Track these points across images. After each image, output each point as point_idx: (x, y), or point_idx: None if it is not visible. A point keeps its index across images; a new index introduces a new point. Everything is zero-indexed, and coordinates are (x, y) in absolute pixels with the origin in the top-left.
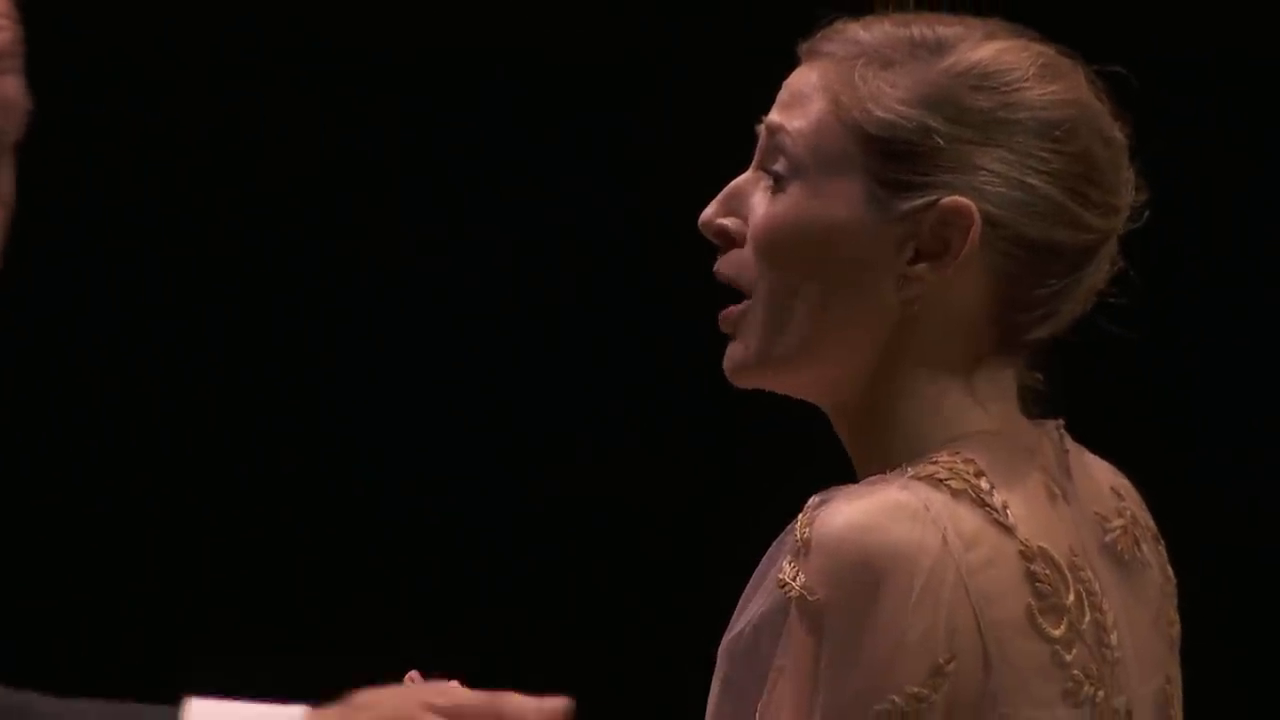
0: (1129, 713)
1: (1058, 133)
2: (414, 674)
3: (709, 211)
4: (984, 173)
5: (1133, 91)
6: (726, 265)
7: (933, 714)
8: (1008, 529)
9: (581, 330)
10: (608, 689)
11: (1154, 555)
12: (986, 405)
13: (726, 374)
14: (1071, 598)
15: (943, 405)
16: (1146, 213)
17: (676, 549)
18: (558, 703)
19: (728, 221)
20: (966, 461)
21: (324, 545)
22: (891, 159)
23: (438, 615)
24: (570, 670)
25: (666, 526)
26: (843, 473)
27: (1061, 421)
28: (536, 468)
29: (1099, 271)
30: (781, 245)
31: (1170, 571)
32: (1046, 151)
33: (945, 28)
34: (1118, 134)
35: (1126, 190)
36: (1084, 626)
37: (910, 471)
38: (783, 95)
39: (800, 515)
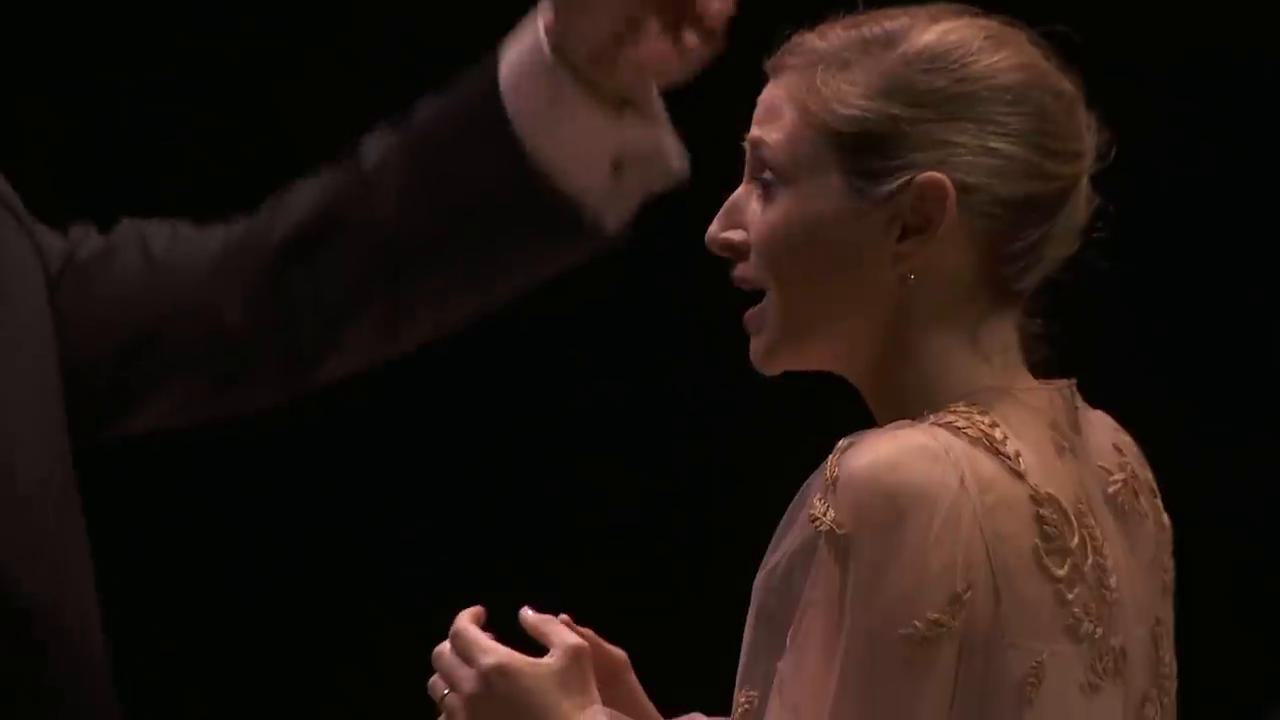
0: (1124, 650)
1: (1010, 96)
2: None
3: (712, 228)
4: (950, 146)
5: (1076, 46)
6: (743, 271)
7: (950, 640)
8: (1020, 475)
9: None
10: (651, 625)
11: (1150, 507)
12: (991, 358)
13: (755, 365)
14: (1076, 541)
15: (951, 362)
16: (1114, 150)
17: (714, 495)
18: None
19: (731, 234)
20: (982, 413)
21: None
22: (863, 151)
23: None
24: (615, 609)
25: (704, 474)
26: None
27: (1073, 381)
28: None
29: (1077, 212)
30: (781, 249)
31: (1165, 520)
32: (1004, 115)
33: (892, 21)
34: (1068, 86)
35: (1087, 134)
36: (1086, 568)
37: (931, 419)
38: (758, 112)
39: (830, 455)
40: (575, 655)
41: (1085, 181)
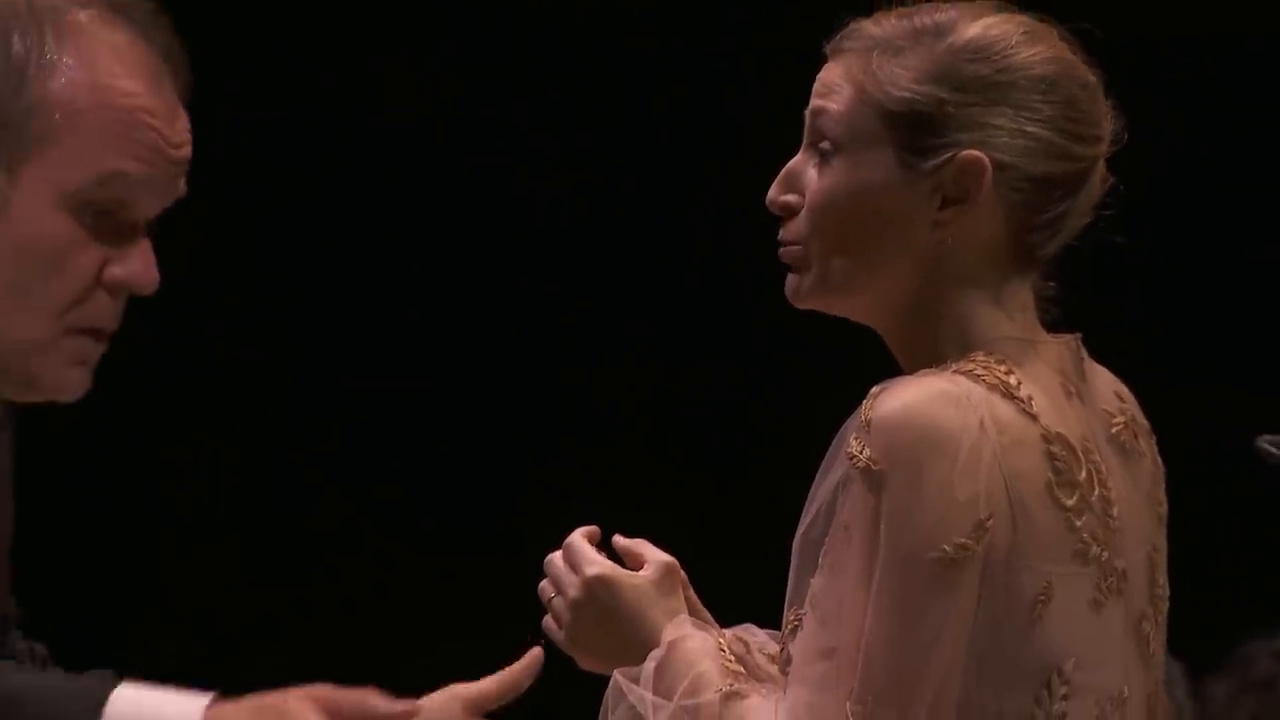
0: (1125, 572)
1: (1044, 86)
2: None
3: (772, 191)
4: (989, 128)
5: (1099, 42)
6: (789, 233)
7: (974, 563)
8: (1032, 417)
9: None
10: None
11: (1147, 447)
12: (1012, 314)
13: (789, 298)
14: (1083, 475)
15: (977, 316)
16: (1126, 136)
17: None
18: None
19: (789, 197)
20: (999, 361)
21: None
22: (913, 129)
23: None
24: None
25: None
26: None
27: (1080, 335)
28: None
29: (1094, 189)
30: (835, 210)
31: (1159, 460)
32: (1038, 102)
33: (940, 14)
34: (1091, 77)
35: (1106, 121)
36: (1093, 499)
37: (954, 367)
38: (818, 87)
39: (864, 401)
40: (667, 570)
41: (1102, 162)
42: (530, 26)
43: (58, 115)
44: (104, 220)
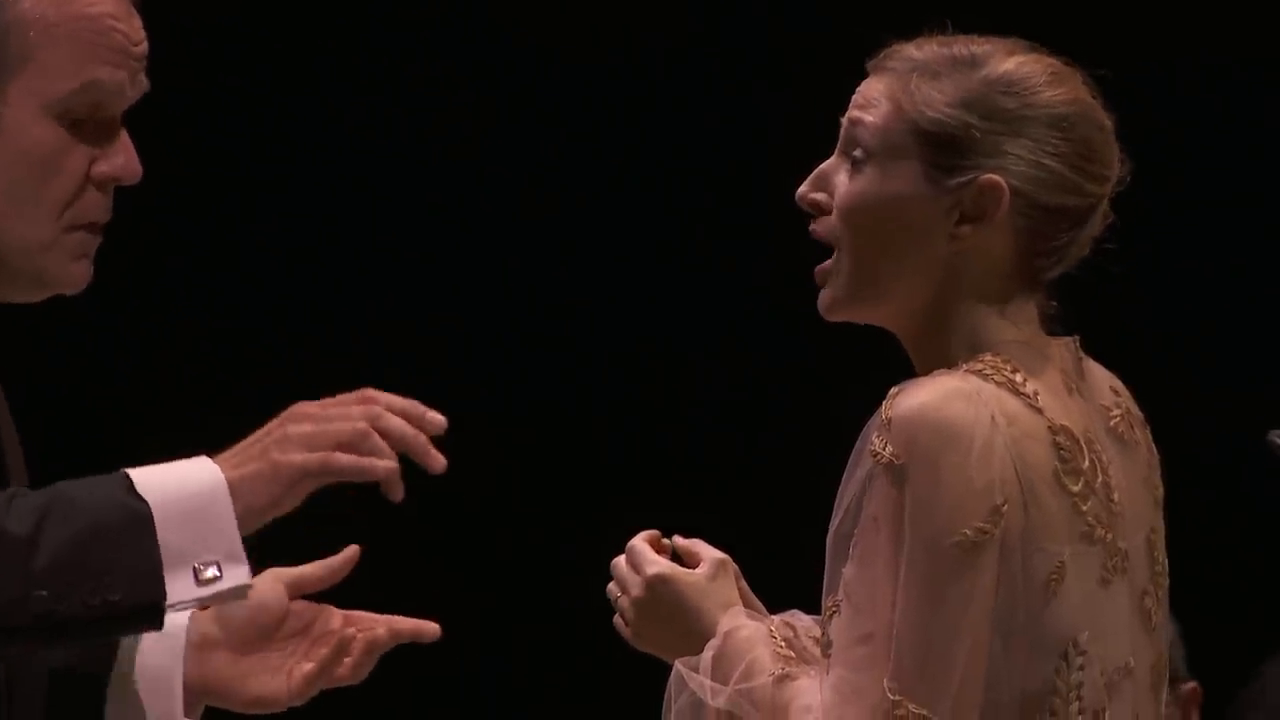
0: (1127, 552)
1: (1064, 124)
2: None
3: (803, 188)
4: (1011, 156)
5: (1116, 88)
6: (820, 227)
7: (992, 545)
8: (1038, 410)
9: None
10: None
11: (1143, 437)
12: (1018, 325)
13: (821, 312)
14: (1086, 463)
15: (985, 324)
16: (1129, 179)
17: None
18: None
19: (818, 195)
20: (1005, 361)
21: None
22: (941, 148)
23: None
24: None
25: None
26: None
27: (1077, 338)
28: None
29: (1096, 224)
30: (861, 213)
31: (1154, 448)
32: (1057, 138)
33: (977, 46)
34: (1108, 121)
35: (1116, 163)
36: (1096, 485)
37: (964, 367)
38: (857, 99)
39: (884, 401)
40: (721, 566)
41: (1106, 201)
42: (545, 31)
43: (32, 33)
44: (84, 123)
